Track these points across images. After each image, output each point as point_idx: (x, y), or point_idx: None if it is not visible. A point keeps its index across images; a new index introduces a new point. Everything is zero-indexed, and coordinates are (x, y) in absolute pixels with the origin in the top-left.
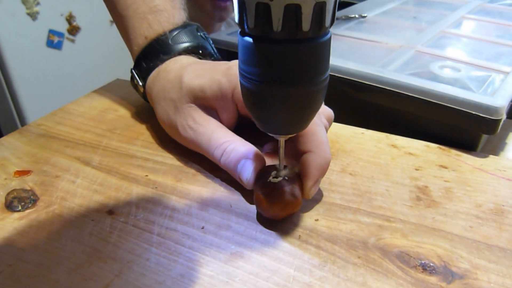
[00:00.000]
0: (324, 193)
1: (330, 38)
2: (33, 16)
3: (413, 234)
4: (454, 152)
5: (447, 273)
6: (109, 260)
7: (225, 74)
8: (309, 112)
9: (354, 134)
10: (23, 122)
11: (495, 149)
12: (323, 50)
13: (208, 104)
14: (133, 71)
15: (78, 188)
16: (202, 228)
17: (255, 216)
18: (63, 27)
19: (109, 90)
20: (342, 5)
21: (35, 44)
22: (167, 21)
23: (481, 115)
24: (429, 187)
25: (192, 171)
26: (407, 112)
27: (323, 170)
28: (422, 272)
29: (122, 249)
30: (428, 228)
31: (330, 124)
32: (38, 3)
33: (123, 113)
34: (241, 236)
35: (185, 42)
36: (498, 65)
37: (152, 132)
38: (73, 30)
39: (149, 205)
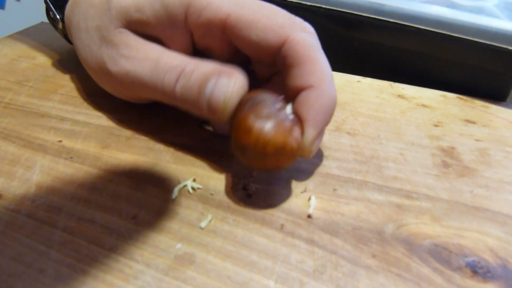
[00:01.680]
0: (315, 160)
1: None
2: None
3: (448, 216)
4: (479, 103)
5: (509, 277)
6: None
7: None
8: None
9: (348, 83)
10: None
11: None
12: None
13: (148, 31)
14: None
15: None
16: (134, 218)
17: (215, 195)
18: None
19: (28, 34)
20: None
21: None
22: None
23: None
24: (457, 149)
25: (127, 133)
26: (417, 52)
27: (329, 113)
28: (472, 276)
29: (3, 254)
30: (468, 207)
31: None
32: None
33: (41, 61)
34: (192, 228)
35: None
36: None
37: (77, 84)
38: None
39: (57, 183)
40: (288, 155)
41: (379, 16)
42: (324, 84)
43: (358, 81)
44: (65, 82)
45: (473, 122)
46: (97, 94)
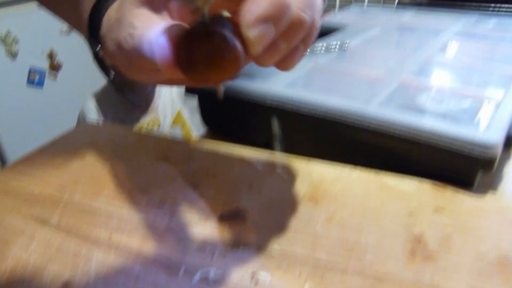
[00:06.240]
0: (308, 249)
1: None
2: (12, 54)
3: None
4: (449, 189)
5: None
6: None
7: None
8: None
9: (341, 174)
10: (3, 164)
11: (493, 180)
12: None
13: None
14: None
15: (31, 255)
16: None
17: (235, 280)
18: (44, 64)
19: (79, 133)
20: (323, 34)
21: (15, 83)
22: None
23: (475, 152)
24: (425, 236)
25: (162, 228)
26: (396, 149)
27: (276, 7)
28: None
29: None
30: (427, 286)
31: None
32: (17, 42)
33: (89, 160)
34: None
35: None
36: (488, 92)
37: (119, 181)
38: (55, 67)
39: (110, 273)
40: (221, 55)
41: (362, 121)
42: None
43: (349, 173)
44: (110, 181)
45: (442, 210)
46: (135, 191)
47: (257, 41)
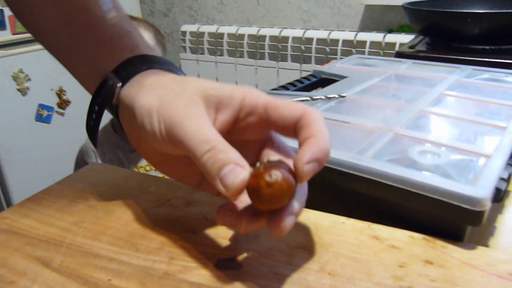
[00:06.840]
0: None
1: None
2: (23, 91)
3: None
4: (440, 243)
5: None
6: None
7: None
8: None
9: (334, 224)
10: (8, 199)
11: (484, 233)
12: None
13: (212, 100)
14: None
15: None
16: None
17: None
18: (53, 101)
19: (84, 175)
20: (323, 84)
21: (24, 118)
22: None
23: (463, 206)
24: None
25: (159, 273)
26: (388, 200)
27: (323, 154)
28: None
29: None
30: None
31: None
32: (28, 79)
33: (93, 203)
34: None
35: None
36: (479, 148)
37: (121, 225)
38: (63, 103)
39: None
40: (283, 187)
41: (356, 172)
42: (322, 136)
43: (343, 222)
44: (112, 224)
45: (431, 263)
46: (137, 235)
47: (309, 171)
